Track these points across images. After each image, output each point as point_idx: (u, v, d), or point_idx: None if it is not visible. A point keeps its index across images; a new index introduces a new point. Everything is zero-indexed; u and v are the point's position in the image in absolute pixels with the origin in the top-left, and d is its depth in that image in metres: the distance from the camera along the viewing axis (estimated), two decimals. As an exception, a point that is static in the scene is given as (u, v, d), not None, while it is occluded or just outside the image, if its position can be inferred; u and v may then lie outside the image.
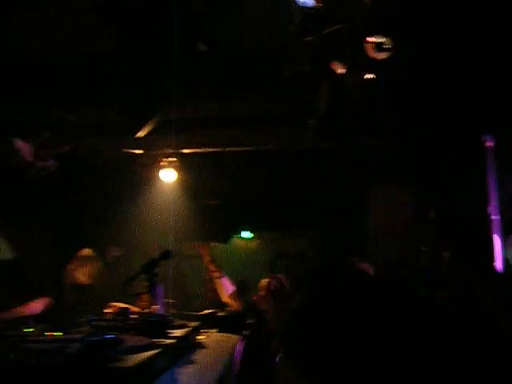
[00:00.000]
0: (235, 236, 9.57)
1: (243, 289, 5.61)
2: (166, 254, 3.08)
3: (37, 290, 5.38)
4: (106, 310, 4.34)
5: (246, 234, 10.03)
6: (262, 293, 5.13)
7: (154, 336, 2.21)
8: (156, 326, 2.33)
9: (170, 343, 2.18)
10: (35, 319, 4.40)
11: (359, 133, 3.88)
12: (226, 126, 5.47)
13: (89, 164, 6.35)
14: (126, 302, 5.10)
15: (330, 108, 3.43)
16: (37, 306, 5.11)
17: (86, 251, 10.30)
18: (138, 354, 1.83)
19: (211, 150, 6.10)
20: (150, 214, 6.81)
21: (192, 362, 2.37)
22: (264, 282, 5.28)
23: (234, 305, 4.81)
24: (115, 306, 5.26)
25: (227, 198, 7.54)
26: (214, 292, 5.70)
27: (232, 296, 4.93)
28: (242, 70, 4.26)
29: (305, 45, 3.32)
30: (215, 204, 7.56)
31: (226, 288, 4.95)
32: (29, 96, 4.63)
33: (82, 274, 10.77)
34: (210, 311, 3.69)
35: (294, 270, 5.48)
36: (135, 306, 4.68)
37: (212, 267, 4.97)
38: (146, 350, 1.91)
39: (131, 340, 1.98)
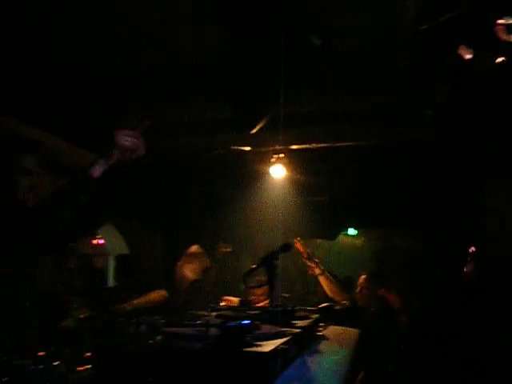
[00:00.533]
0: (342, 233, 9.50)
1: (349, 285, 5.59)
2: (285, 247, 3.10)
3: (152, 284, 5.61)
4: (221, 304, 4.45)
5: (351, 231, 9.94)
6: (358, 290, 5.15)
7: (280, 326, 2.24)
8: (282, 315, 2.36)
9: (298, 332, 2.20)
10: (152, 311, 4.58)
11: (480, 122, 3.72)
12: (335, 122, 5.44)
13: (199, 161, 6.53)
14: (238, 296, 5.21)
15: (450, 97, 3.32)
16: (154, 298, 5.32)
17: (194, 248, 10.59)
18: (272, 341, 1.86)
19: (319, 145, 6.09)
20: (258, 211, 6.90)
21: (318, 352, 2.38)
22: (362, 278, 5.27)
23: (338, 300, 4.79)
24: (229, 299, 5.39)
25: (334, 195, 7.50)
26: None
27: (335, 291, 4.92)
28: (352, 63, 4.21)
29: (422, 33, 3.23)
30: (322, 200, 7.54)
31: (328, 284, 4.94)
32: (144, 97, 4.84)
33: (189, 270, 11.07)
34: (326, 304, 3.69)
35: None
36: (251, 299, 4.78)
37: (311, 263, 4.96)
38: (279, 338, 1.94)
39: (263, 328, 2.02)
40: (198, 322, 2.05)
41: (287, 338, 1.99)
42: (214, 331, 1.78)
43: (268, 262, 3.06)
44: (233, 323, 1.75)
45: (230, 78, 4.05)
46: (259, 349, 1.70)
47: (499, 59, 2.59)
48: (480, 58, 2.65)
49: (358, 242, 10.55)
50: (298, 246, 5.01)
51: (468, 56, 2.67)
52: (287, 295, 4.04)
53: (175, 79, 4.35)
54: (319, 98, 4.93)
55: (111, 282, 7.29)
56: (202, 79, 4.30)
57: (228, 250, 8.21)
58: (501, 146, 4.53)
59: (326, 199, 7.56)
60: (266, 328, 2.06)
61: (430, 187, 6.69)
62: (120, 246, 8.04)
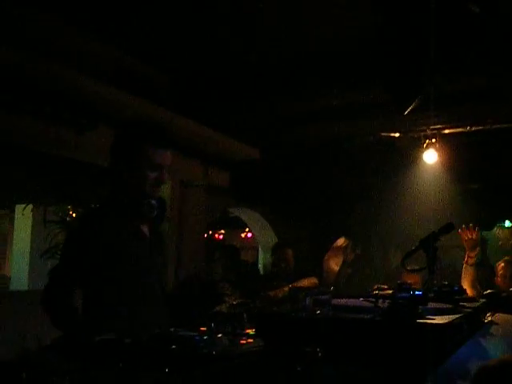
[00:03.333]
0: (497, 224, 8.94)
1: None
2: (448, 227, 2.91)
3: (300, 274, 5.64)
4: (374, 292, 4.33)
5: (507, 223, 9.33)
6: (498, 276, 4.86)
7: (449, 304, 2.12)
8: (450, 295, 2.22)
9: (469, 312, 2.06)
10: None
11: None
12: (492, 100, 5.09)
13: (345, 149, 6.43)
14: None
15: None
16: (305, 284, 5.34)
17: (341, 241, 10.52)
18: (444, 316, 1.76)
19: (474, 128, 5.73)
20: (408, 200, 6.66)
21: (490, 335, 2.22)
22: (500, 265, 4.97)
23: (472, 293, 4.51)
24: (379, 287, 5.25)
25: (490, 183, 7.05)
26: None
27: (473, 286, 4.61)
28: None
29: None
30: (477, 188, 7.12)
31: (469, 277, 4.64)
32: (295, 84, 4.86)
33: (335, 264, 11.02)
34: (491, 291, 3.44)
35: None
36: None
37: (471, 254, 4.66)
38: (451, 314, 1.83)
39: (433, 304, 1.91)
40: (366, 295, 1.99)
41: (460, 315, 1.87)
42: (383, 303, 1.72)
43: (428, 244, 2.89)
44: (404, 294, 1.67)
45: (379, 59, 3.94)
46: (433, 321, 1.60)
47: None
48: None
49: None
50: (472, 233, 4.74)
51: None
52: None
53: (322, 64, 4.32)
54: (476, 74, 4.63)
55: (263, 272, 7.43)
56: (350, 63, 4.23)
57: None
58: None
59: (481, 187, 7.11)
60: (436, 304, 1.95)
61: None
62: (268, 238, 8.17)
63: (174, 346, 1.77)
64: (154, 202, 2.28)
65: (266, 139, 5.86)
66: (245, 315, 2.36)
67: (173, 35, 4.43)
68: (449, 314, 1.83)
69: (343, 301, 1.93)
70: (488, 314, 2.91)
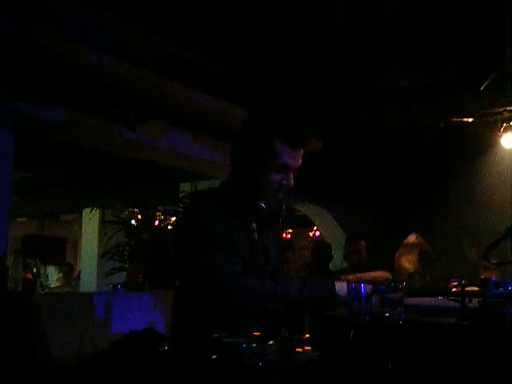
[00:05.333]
0: None
1: None
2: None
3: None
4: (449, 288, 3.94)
5: None
6: None
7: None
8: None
9: None
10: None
11: None
12: None
13: (412, 137, 6.04)
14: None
15: None
16: (375, 275, 5.02)
17: (412, 237, 10.05)
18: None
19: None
20: (482, 191, 6.22)
21: None
22: None
23: None
24: (454, 284, 4.83)
25: None
26: None
27: None
28: None
29: None
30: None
31: None
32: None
33: (407, 261, 10.52)
34: None
35: None
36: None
37: None
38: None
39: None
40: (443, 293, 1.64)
41: None
42: (470, 302, 1.38)
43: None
44: (495, 290, 1.32)
45: (453, 31, 3.56)
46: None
47: None
48: None
49: None
50: None
51: None
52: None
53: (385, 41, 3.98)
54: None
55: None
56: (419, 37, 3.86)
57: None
58: None
59: None
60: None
61: None
62: (336, 235, 7.84)
63: (214, 356, 1.52)
64: (263, 205, 1.97)
65: (329, 129, 5.54)
66: (307, 316, 2.04)
67: (226, 24, 4.20)
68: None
69: (418, 300, 1.59)
70: None
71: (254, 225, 2.05)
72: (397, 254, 9.32)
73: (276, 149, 1.90)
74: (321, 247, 6.13)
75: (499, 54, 3.57)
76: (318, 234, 10.64)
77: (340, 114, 5.25)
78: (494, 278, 2.33)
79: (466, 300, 1.41)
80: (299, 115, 1.98)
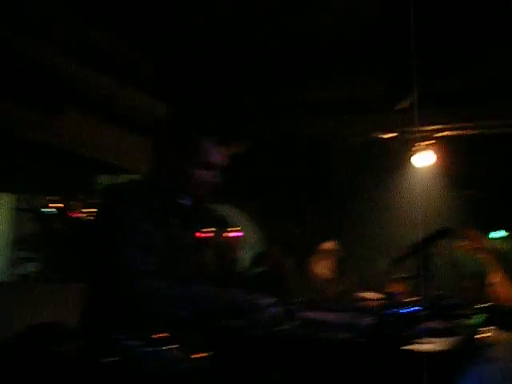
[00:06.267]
0: (490, 234, 8.66)
1: None
2: (443, 232, 2.63)
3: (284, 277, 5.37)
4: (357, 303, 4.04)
5: (501, 233, 9.05)
6: None
7: (446, 321, 1.81)
8: (450, 310, 1.90)
9: (471, 331, 1.75)
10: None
11: None
12: (493, 101, 4.79)
13: (336, 149, 6.17)
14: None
15: None
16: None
17: (328, 244, 10.24)
18: (439, 338, 1.44)
19: (472, 131, 5.45)
20: (399, 205, 6.41)
21: (491, 358, 1.91)
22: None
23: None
24: (363, 296, 4.95)
25: (486, 190, 6.77)
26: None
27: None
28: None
29: None
30: (472, 195, 6.84)
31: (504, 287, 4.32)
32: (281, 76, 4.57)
33: (323, 268, 10.73)
34: (490, 304, 3.14)
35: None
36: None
37: (483, 255, 4.30)
38: (449, 336, 1.51)
39: (427, 322, 1.59)
40: (346, 307, 1.66)
41: (459, 338, 1.55)
42: (367, 319, 1.40)
43: (422, 249, 2.59)
44: (393, 310, 1.35)
45: (375, 50, 3.64)
46: (427, 347, 1.29)
47: None
48: None
49: (507, 245, 9.59)
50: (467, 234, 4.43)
51: None
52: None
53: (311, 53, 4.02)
54: (478, 74, 4.33)
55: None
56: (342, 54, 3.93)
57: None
58: None
59: (477, 194, 6.84)
60: (431, 323, 1.63)
61: None
62: (252, 237, 7.85)
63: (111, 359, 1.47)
64: (186, 202, 1.93)
65: (252, 133, 5.56)
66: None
67: (152, 16, 4.10)
68: (449, 336, 1.51)
69: (317, 313, 1.60)
70: (487, 332, 2.61)
71: (175, 222, 2.02)
72: (312, 260, 9.46)
73: (202, 147, 1.90)
74: (227, 248, 6.08)
75: (416, 75, 3.69)
76: (239, 234, 10.63)
77: (263, 120, 5.27)
78: (395, 293, 2.40)
79: (363, 316, 1.43)
80: (226, 115, 2.00)
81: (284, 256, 5.40)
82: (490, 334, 2.48)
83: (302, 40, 4.01)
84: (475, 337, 1.93)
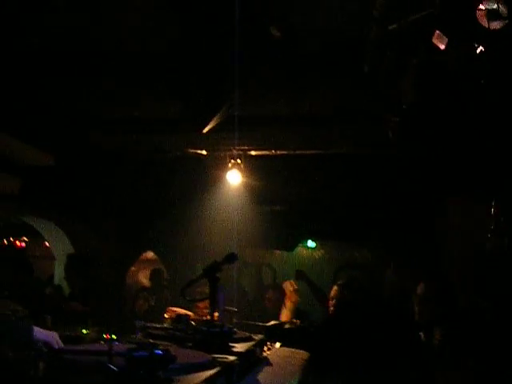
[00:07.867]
0: (300, 245, 9.20)
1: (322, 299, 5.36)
2: (230, 257, 2.77)
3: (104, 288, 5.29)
4: (165, 315, 4.09)
5: (310, 243, 9.65)
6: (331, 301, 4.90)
7: (214, 350, 1.91)
8: (217, 338, 2.02)
9: (232, 361, 1.86)
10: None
11: (453, 128, 3.44)
12: (297, 126, 5.13)
13: (153, 162, 6.18)
14: (186, 308, 4.84)
15: (419, 99, 3.04)
16: None
17: (150, 254, 10.18)
18: (193, 374, 1.52)
19: (279, 152, 5.78)
20: (213, 217, 6.56)
21: (258, 379, 2.05)
22: (334, 290, 5.00)
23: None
24: (174, 311, 4.99)
25: (293, 204, 7.19)
26: (273, 302, 5.43)
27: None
28: (316, 61, 3.92)
29: (390, 33, 2.96)
30: (281, 210, 7.23)
31: (288, 312, 4.70)
32: (89, 90, 4.47)
33: (143, 277, 10.64)
34: (275, 322, 3.35)
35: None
36: (194, 312, 4.41)
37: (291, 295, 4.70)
38: (204, 369, 1.60)
39: (187, 355, 1.67)
40: (101, 348, 1.66)
41: (216, 370, 1.65)
42: (118, 362, 1.43)
43: (210, 273, 2.72)
44: (142, 353, 1.39)
45: (181, 73, 3.72)
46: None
47: (478, 49, 2.30)
48: (456, 47, 2.36)
49: (317, 254, 10.27)
50: (289, 286, 4.77)
51: (442, 45, 2.37)
52: (233, 309, 3.68)
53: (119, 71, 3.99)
54: (279, 100, 4.62)
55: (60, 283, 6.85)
56: (151, 72, 3.95)
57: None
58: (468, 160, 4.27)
59: (284, 209, 7.25)
60: (190, 356, 1.71)
61: (391, 200, 6.45)
62: (66, 250, 7.57)
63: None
64: None
65: (64, 145, 5.37)
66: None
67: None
68: (205, 370, 1.60)
69: (73, 348, 1.60)
70: (266, 350, 2.78)
71: None
72: (133, 269, 9.33)
73: None
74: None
75: (221, 101, 3.85)
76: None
77: (76, 133, 5.12)
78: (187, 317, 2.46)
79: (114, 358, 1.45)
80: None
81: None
82: (267, 352, 2.66)
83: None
84: (243, 361, 2.06)
